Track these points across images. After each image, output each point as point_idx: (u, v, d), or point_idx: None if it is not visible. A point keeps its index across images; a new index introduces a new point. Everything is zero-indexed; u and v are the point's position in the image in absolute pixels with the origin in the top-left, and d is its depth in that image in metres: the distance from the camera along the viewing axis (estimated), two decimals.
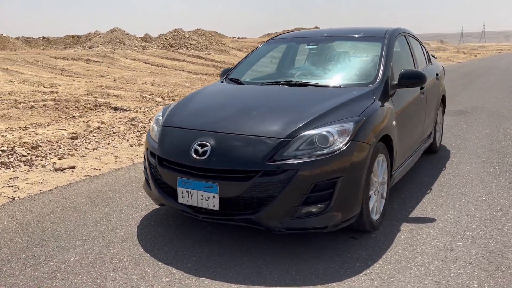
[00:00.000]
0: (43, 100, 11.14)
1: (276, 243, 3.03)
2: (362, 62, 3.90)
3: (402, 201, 3.82)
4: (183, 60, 24.55)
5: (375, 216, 3.20)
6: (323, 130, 2.82)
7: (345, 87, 3.48)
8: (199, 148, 2.85)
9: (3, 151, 5.34)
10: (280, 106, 3.20)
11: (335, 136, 2.81)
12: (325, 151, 2.76)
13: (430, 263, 2.75)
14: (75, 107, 10.16)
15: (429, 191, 4.07)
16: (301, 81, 3.68)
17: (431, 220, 3.41)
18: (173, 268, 2.73)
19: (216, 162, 2.78)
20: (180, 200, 2.92)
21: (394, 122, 3.38)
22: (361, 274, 2.64)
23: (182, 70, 20.68)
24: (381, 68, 3.60)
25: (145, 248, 3.00)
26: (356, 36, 4.18)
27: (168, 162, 3.01)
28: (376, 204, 3.20)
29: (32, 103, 10.57)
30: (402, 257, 2.84)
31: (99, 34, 29.58)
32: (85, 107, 10.15)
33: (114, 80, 17.24)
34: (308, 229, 2.78)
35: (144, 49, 26.47)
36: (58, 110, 9.88)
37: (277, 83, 3.74)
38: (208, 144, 2.84)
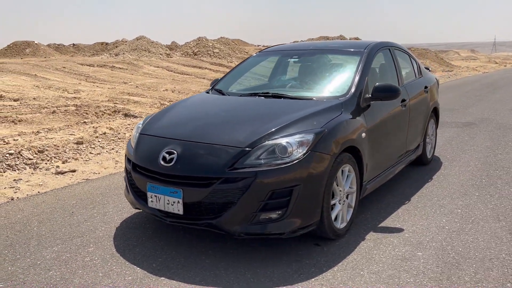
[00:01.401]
0: (65, 106, 11.60)
1: (242, 248, 3.17)
2: (339, 75, 4.02)
3: (377, 211, 3.91)
4: (205, 68, 24.98)
5: (340, 225, 3.30)
6: (283, 141, 2.96)
7: (317, 100, 3.61)
8: (167, 155, 3.04)
9: (11, 154, 5.67)
10: (250, 117, 3.36)
11: (294, 146, 2.94)
12: (284, 161, 2.89)
13: (383, 271, 2.84)
14: (95, 112, 10.52)
15: (407, 202, 4.13)
16: (277, 93, 3.83)
17: (399, 230, 3.49)
18: (138, 268, 2.91)
19: (180, 169, 2.95)
20: (150, 204, 3.11)
21: (363, 135, 3.49)
22: (313, 279, 2.75)
23: (204, 78, 21.04)
24: (355, 82, 3.71)
25: (117, 248, 3.20)
26: (338, 49, 4.31)
27: (140, 168, 3.20)
28: (341, 213, 3.31)
29: (55, 108, 11.02)
30: (358, 264, 2.94)
31: (126, 41, 30.38)
32: (104, 112, 10.50)
33: (136, 87, 17.72)
34: (266, 234, 2.92)
35: (168, 57, 27.05)
36: (78, 115, 10.25)
37: (255, 94, 3.90)
38: (175, 152, 3.02)
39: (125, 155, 3.51)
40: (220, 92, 4.18)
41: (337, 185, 3.24)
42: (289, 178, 2.87)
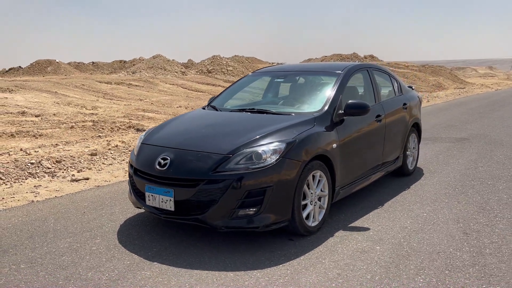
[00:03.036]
0: (83, 121, 12.33)
1: (226, 242, 3.69)
2: (316, 93, 4.57)
3: (351, 213, 4.40)
4: (219, 85, 25.75)
5: (312, 223, 3.81)
6: (259, 149, 3.50)
7: (295, 115, 4.16)
8: (162, 161, 3.61)
9: (32, 163, 6.32)
10: (234, 129, 3.93)
11: (269, 154, 3.48)
12: (259, 165, 3.43)
13: (341, 260, 3.34)
14: (110, 128, 11.19)
15: (380, 206, 4.61)
16: (261, 109, 4.39)
17: (365, 229, 3.98)
18: (136, 255, 3.45)
19: (172, 172, 3.52)
20: (147, 202, 3.67)
21: (334, 145, 4.01)
22: (280, 265, 3.26)
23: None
24: (329, 99, 4.25)
25: (120, 240, 3.75)
26: (318, 71, 4.87)
27: (140, 172, 3.78)
28: (312, 213, 3.82)
29: (73, 124, 11.74)
30: (322, 255, 3.44)
31: (143, 60, 31.44)
32: (119, 128, 11.18)
33: (151, 103, 18.50)
34: (244, 228, 3.45)
35: (183, 75, 27.93)
36: (94, 130, 10.92)
37: (243, 110, 4.46)
38: (169, 158, 3.59)
39: (129, 162, 4.09)
40: (214, 108, 4.76)
41: (308, 188, 3.75)
42: (263, 180, 3.40)
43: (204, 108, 4.89)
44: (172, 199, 3.49)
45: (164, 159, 3.61)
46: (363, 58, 46.23)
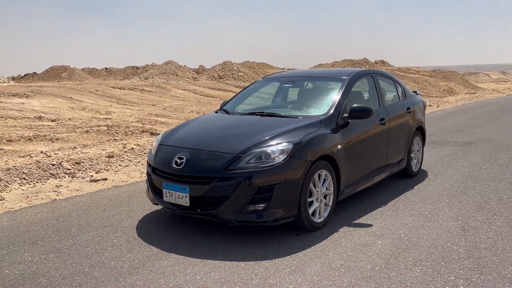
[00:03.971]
0: (97, 126, 12.71)
1: (238, 236, 3.96)
2: (322, 98, 4.83)
3: (355, 211, 4.64)
4: (230, 91, 26.10)
5: (318, 219, 4.06)
6: (268, 149, 3.78)
7: (302, 118, 4.42)
8: (178, 160, 3.90)
9: (53, 165, 6.66)
10: (245, 130, 4.21)
11: (277, 153, 3.76)
12: (268, 164, 3.71)
13: (345, 252, 3.59)
14: (124, 132, 11.53)
15: (383, 205, 4.85)
16: (270, 112, 4.67)
17: (369, 225, 4.22)
18: (154, 247, 3.74)
19: (188, 170, 3.81)
20: (165, 199, 3.96)
21: (339, 146, 4.27)
22: (287, 256, 3.52)
23: None
24: (335, 103, 4.52)
25: (139, 234, 4.04)
26: (324, 77, 5.14)
27: (158, 171, 4.07)
28: (318, 210, 4.07)
29: (88, 128, 12.12)
30: (326, 248, 3.69)
31: (155, 65, 31.94)
32: (133, 132, 11.52)
33: (164, 108, 18.89)
34: (253, 222, 3.72)
35: (194, 80, 28.34)
36: (109, 134, 11.27)
37: (253, 113, 4.75)
38: (184, 157, 3.88)
39: (147, 161, 4.39)
40: (226, 111, 5.04)
41: (314, 186, 4.01)
42: (271, 178, 3.67)
43: (216, 112, 5.18)
44: (188, 195, 3.77)
45: (180, 158, 3.90)
46: (373, 63, 46.37)
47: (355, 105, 4.51)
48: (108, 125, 12.76)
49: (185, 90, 25.74)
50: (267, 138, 3.92)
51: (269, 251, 3.63)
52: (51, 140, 9.89)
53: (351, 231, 4.08)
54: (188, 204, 3.79)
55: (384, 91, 5.68)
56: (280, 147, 3.81)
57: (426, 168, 6.65)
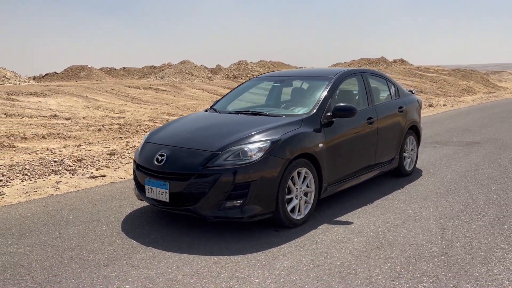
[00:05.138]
0: (110, 124, 12.98)
1: (218, 231, 4.05)
2: (307, 97, 4.89)
3: (339, 209, 4.69)
4: None
5: (297, 216, 4.13)
6: (246, 147, 3.86)
7: (285, 117, 4.49)
8: (159, 157, 4.02)
9: (55, 161, 6.87)
10: (226, 129, 4.30)
11: (254, 151, 3.84)
12: (245, 162, 3.79)
13: (318, 249, 3.65)
14: (135, 130, 11.74)
15: (369, 203, 4.88)
16: (255, 111, 4.76)
17: (349, 223, 4.27)
18: (134, 241, 3.86)
19: (168, 167, 3.92)
20: (147, 194, 4.08)
21: (321, 145, 4.32)
22: (261, 251, 3.60)
23: None
24: (318, 102, 4.57)
25: (123, 228, 4.18)
26: (312, 76, 5.19)
27: (141, 167, 4.20)
28: (298, 207, 4.14)
29: (100, 126, 12.38)
30: (301, 244, 3.76)
31: (171, 65, 32.31)
32: (144, 130, 11.72)
33: (177, 107, 19.14)
34: (230, 218, 3.81)
35: (209, 80, 28.56)
36: (120, 133, 11.49)
37: (239, 112, 4.84)
38: (165, 154, 4.00)
39: (133, 158, 4.52)
40: (215, 110, 5.15)
41: (294, 184, 4.08)
42: (248, 175, 3.76)
43: (206, 111, 5.28)
44: (167, 191, 3.88)
45: (161, 155, 4.01)
46: (392, 62, 45.93)
47: (338, 104, 4.56)
48: (120, 123, 13.01)
49: (199, 89, 25.98)
50: (246, 136, 4.00)
51: (245, 246, 3.72)
52: (63, 138, 10.13)
53: (330, 228, 4.14)
54: (168, 200, 3.90)
55: (377, 90, 5.70)
56: (257, 145, 3.89)
57: (422, 167, 6.63)
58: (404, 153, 5.98)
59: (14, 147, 8.43)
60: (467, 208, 4.70)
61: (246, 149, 3.84)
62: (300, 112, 4.55)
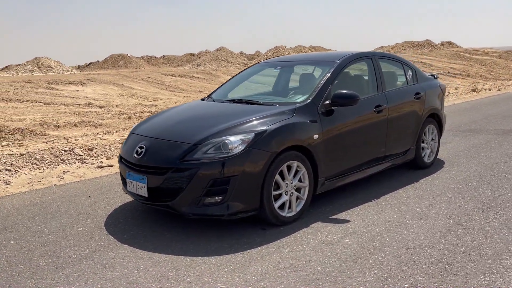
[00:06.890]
0: (141, 112, 13.02)
1: (201, 228, 3.80)
2: (306, 83, 4.52)
3: (339, 205, 4.32)
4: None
5: (287, 213, 3.81)
6: (226, 139, 3.57)
7: (279, 105, 4.15)
8: (139, 149, 3.80)
9: (66, 151, 6.85)
10: (214, 119, 4.01)
11: (236, 143, 3.54)
12: (225, 155, 3.51)
13: (301, 251, 3.33)
14: None
15: (374, 199, 4.48)
16: (248, 100, 4.44)
17: (345, 221, 3.91)
18: (112, 237, 3.69)
19: (146, 160, 3.70)
20: (128, 188, 3.89)
21: (316, 136, 3.96)
22: (239, 253, 3.33)
23: None
24: (316, 89, 4.20)
25: (106, 223, 4.02)
26: (314, 60, 4.80)
27: (123, 160, 4.00)
28: (288, 203, 3.82)
29: (132, 114, 12.43)
30: (285, 245, 3.45)
31: (208, 52, 32.29)
32: None
33: None
34: (209, 215, 3.55)
35: (245, 66, 28.31)
36: None
37: (232, 100, 4.54)
38: (144, 147, 3.77)
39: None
40: (211, 99, 4.87)
41: (283, 179, 3.75)
42: (227, 170, 3.47)
43: (203, 100, 5.02)
44: (146, 185, 3.67)
45: (141, 147, 3.80)
46: (439, 45, 43.89)
47: (338, 91, 4.17)
48: (151, 111, 13.02)
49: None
50: (230, 127, 3.71)
51: (224, 246, 3.46)
52: (94, 126, 10.17)
53: (322, 227, 3.80)
54: (146, 195, 3.69)
55: (392, 75, 5.24)
56: (240, 137, 3.59)
57: (446, 159, 6.10)
58: (422, 144, 5.49)
59: (45, 135, 8.54)
60: (484, 206, 4.22)
61: (227, 141, 3.56)
62: (296, 101, 4.20)
